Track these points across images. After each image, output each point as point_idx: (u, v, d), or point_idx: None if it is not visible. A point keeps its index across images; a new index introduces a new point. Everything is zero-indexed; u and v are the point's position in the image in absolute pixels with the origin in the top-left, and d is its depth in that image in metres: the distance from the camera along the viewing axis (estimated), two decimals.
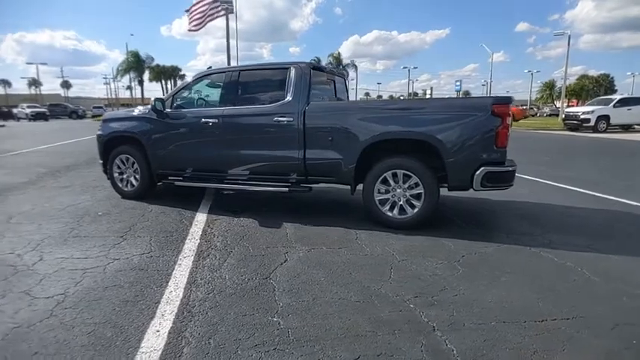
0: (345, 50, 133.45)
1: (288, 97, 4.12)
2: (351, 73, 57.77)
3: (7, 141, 13.96)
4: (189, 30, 23.46)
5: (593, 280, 2.71)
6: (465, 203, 4.92)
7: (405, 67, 57.78)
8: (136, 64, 50.11)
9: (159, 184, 4.96)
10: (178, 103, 4.74)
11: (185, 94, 4.84)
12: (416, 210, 3.77)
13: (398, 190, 3.83)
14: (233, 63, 20.46)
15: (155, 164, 4.77)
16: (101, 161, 5.15)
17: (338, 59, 56.23)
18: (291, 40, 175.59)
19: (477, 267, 2.93)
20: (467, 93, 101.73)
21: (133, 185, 5.00)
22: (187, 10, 22.46)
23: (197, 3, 22.39)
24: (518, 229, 3.92)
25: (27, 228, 3.86)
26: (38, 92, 72.28)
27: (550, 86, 58.51)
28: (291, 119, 4.06)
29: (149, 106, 4.81)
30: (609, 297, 2.47)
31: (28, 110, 33.45)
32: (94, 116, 39.22)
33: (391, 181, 3.83)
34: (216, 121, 4.41)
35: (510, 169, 3.63)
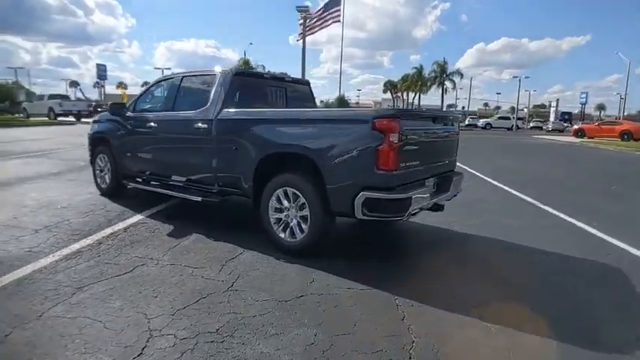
0: (469, 59, 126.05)
1: (208, 104, 4.07)
2: (458, 82, 54.52)
3: None
4: (297, 40, 24.77)
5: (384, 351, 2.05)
6: (414, 232, 4.24)
7: (515, 77, 52.13)
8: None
9: (129, 186, 5.15)
10: (139, 107, 5.02)
11: (146, 98, 5.09)
12: (304, 234, 3.37)
13: (291, 211, 3.47)
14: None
15: (119, 164, 5.16)
16: (89, 158, 5.78)
17: (442, 67, 53.50)
18: (412, 47, 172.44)
19: (287, 311, 2.47)
20: (601, 106, 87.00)
21: (106, 183, 5.50)
22: (301, 25, 23.49)
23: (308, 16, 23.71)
24: (428, 270, 3.22)
25: None
26: None
27: None
28: (206, 126, 4.00)
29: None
30: None
31: None
32: None
33: (284, 200, 3.50)
34: (156, 125, 4.60)
35: (397, 197, 2.98)
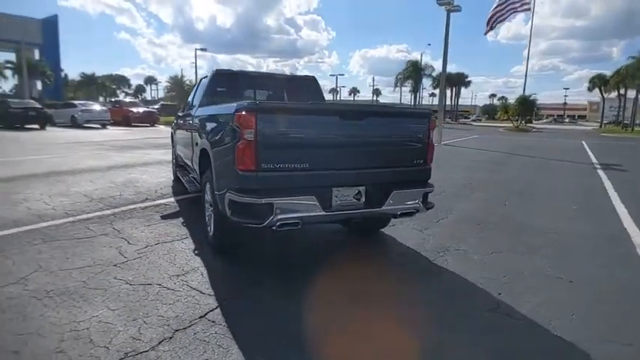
0: None
1: (199, 102, 4.68)
2: None
3: None
4: (485, 33, 24.00)
5: None
6: (379, 254, 3.76)
7: None
8: (413, 73, 54.62)
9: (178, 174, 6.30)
10: (185, 108, 6.07)
11: (188, 100, 6.07)
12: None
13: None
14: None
15: (175, 156, 6.43)
16: (171, 150, 7.31)
17: None
18: None
19: (117, 294, 2.74)
20: None
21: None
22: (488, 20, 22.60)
23: (496, 6, 22.54)
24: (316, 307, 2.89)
25: (38, 184, 6.36)
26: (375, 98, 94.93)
27: None
28: (191, 121, 4.64)
29: None
30: None
31: None
32: None
33: (209, 195, 3.74)
34: (182, 122, 5.55)
35: (250, 201, 2.78)
